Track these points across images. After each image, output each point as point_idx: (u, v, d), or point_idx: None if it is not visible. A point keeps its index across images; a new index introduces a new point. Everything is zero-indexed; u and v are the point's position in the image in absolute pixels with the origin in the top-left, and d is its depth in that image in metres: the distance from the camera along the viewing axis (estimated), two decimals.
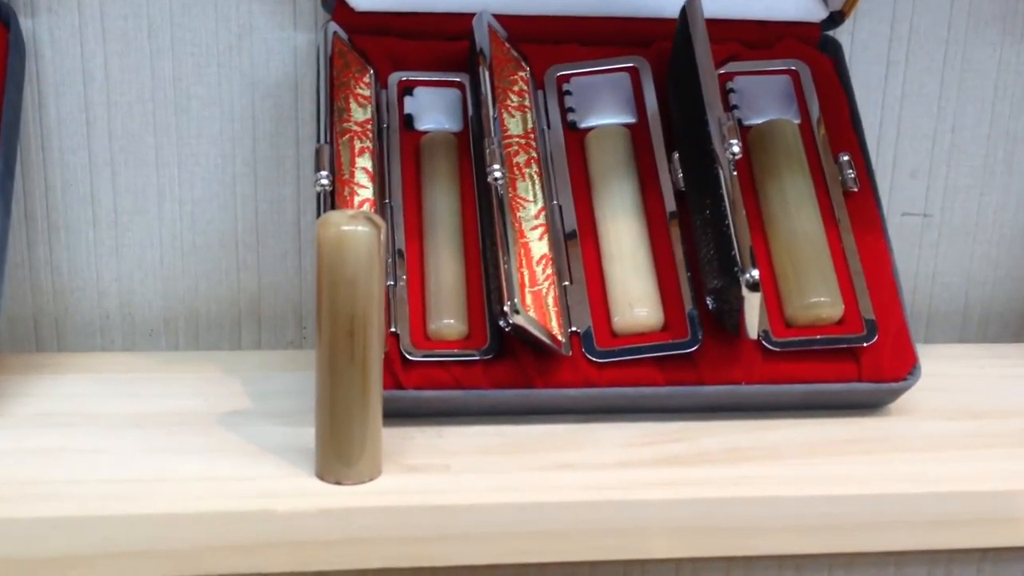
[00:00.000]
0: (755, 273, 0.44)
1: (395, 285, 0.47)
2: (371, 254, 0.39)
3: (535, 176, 0.50)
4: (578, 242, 0.49)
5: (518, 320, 0.44)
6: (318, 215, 0.47)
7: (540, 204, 0.49)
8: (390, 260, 0.48)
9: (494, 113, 0.49)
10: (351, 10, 0.52)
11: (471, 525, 0.41)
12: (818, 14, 0.55)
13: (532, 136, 0.51)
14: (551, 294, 0.47)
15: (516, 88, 0.52)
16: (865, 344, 0.48)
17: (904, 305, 0.50)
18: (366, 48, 0.52)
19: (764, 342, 0.48)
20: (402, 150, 0.51)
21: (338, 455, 0.41)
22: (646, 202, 0.51)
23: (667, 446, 0.46)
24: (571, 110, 0.53)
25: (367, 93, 0.51)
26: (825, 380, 0.48)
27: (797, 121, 0.53)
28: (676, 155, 0.51)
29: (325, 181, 0.47)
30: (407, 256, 0.48)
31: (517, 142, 0.50)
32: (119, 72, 0.53)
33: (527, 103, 0.51)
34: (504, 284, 0.45)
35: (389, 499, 0.41)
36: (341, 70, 0.50)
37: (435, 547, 0.41)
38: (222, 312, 0.56)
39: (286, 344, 0.57)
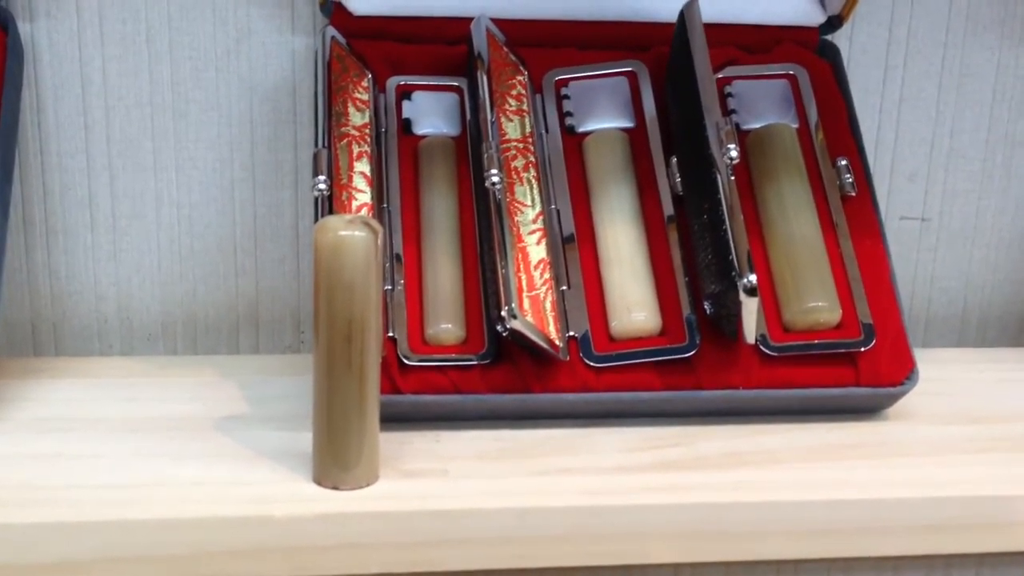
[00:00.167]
0: (753, 278, 0.44)
1: (393, 289, 0.47)
2: (368, 259, 0.39)
3: (533, 180, 0.50)
4: (576, 246, 0.49)
5: (515, 325, 0.44)
6: (316, 219, 0.46)
7: (538, 208, 0.49)
8: (388, 264, 0.48)
9: (492, 117, 0.49)
10: (349, 14, 0.52)
11: (469, 530, 0.41)
12: (816, 18, 0.55)
13: (530, 140, 0.51)
14: (549, 299, 0.47)
15: (514, 92, 0.52)
16: (863, 349, 0.48)
17: (902, 309, 0.50)
18: (364, 52, 0.52)
19: (762, 347, 0.48)
20: (400, 154, 0.51)
21: (335, 460, 0.41)
22: (644, 207, 0.51)
23: (665, 451, 0.46)
24: (569, 114, 0.53)
25: (365, 97, 0.51)
26: (823, 385, 0.48)
27: (795, 125, 0.53)
28: (674, 160, 0.51)
29: (323, 186, 0.47)
30: (405, 260, 0.48)
31: (515, 146, 0.50)
32: (117, 76, 0.53)
33: (525, 107, 0.51)
34: (502, 289, 0.45)
35: (386, 504, 0.41)
36: (339, 74, 0.50)
37: (433, 552, 0.41)
38: (220, 317, 0.56)
39: (284, 349, 0.57)
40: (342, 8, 0.52)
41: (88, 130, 0.53)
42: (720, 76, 0.54)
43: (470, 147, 0.51)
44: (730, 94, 0.54)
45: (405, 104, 0.52)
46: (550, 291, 0.47)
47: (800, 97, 0.54)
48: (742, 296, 0.45)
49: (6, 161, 0.48)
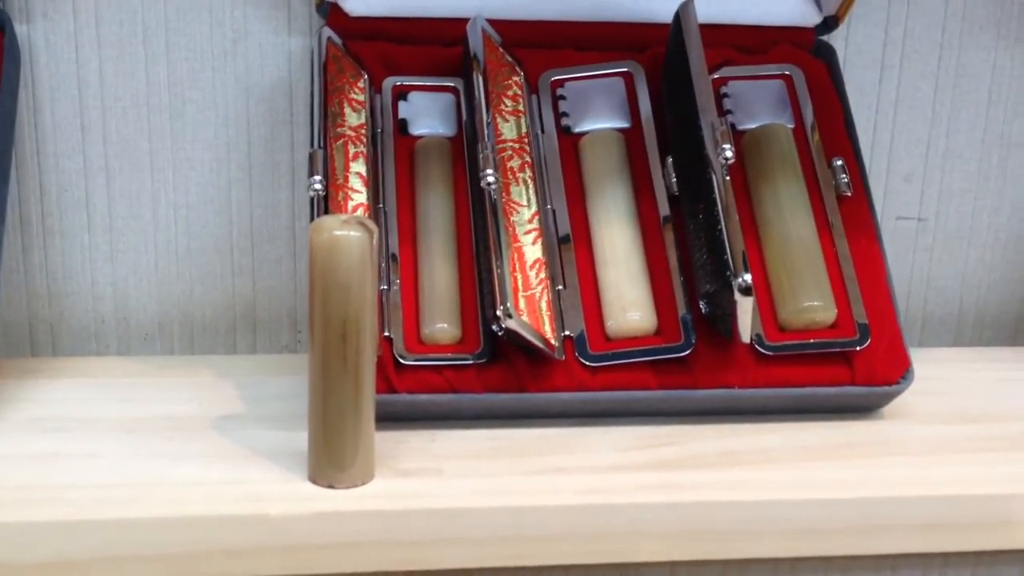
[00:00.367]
0: (748, 277, 0.44)
1: (388, 289, 0.47)
2: (364, 259, 0.39)
3: (529, 180, 0.50)
4: (572, 246, 0.50)
5: (511, 324, 0.44)
6: (312, 220, 0.47)
7: (534, 208, 0.49)
8: (384, 264, 0.48)
9: (488, 118, 0.49)
10: (346, 15, 0.52)
11: (464, 529, 0.41)
12: (812, 19, 0.55)
13: (526, 141, 0.51)
14: (544, 298, 0.47)
15: (510, 93, 0.52)
16: (858, 348, 0.48)
17: (898, 309, 0.50)
18: (360, 53, 0.52)
19: (757, 346, 0.48)
20: (396, 155, 0.51)
21: (331, 459, 0.41)
22: (640, 207, 0.51)
23: (661, 450, 0.46)
24: (565, 115, 0.53)
25: (361, 98, 0.51)
26: (818, 384, 0.48)
27: (791, 126, 0.53)
28: (670, 160, 0.51)
29: (319, 186, 0.47)
30: (401, 260, 0.48)
31: (511, 147, 0.50)
32: (114, 77, 0.53)
33: (521, 108, 0.52)
34: (497, 288, 0.45)
35: (382, 503, 0.41)
36: (335, 75, 0.51)
37: (428, 551, 0.42)
38: (217, 317, 0.56)
39: (281, 349, 0.57)
40: (338, 9, 0.52)
41: (85, 131, 0.53)
42: (716, 77, 0.54)
43: (466, 147, 0.52)
44: (726, 94, 0.54)
45: (401, 105, 0.52)
46: (546, 291, 0.48)
47: (796, 98, 0.54)
48: (737, 295, 0.45)
49: (3, 162, 0.48)
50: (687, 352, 0.47)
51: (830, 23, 0.56)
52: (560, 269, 0.49)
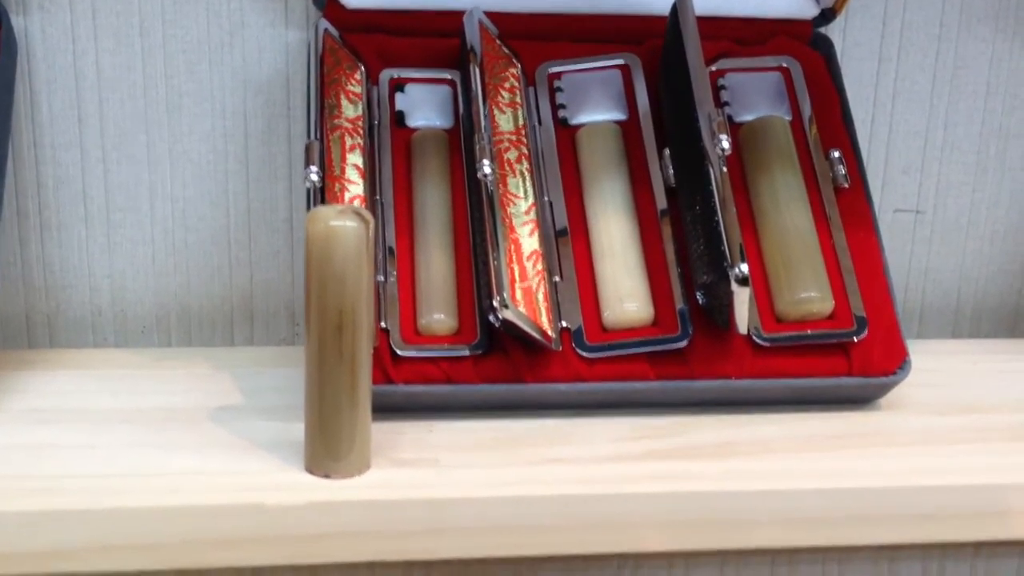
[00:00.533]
0: (744, 267, 0.44)
1: (385, 281, 0.47)
2: (360, 248, 0.39)
3: (526, 172, 0.50)
4: (568, 238, 0.50)
5: (507, 315, 0.44)
6: (308, 211, 0.46)
7: (531, 200, 0.49)
8: (381, 256, 0.48)
9: (484, 109, 0.49)
10: (342, 7, 0.52)
11: (461, 519, 0.41)
12: (809, 11, 0.55)
13: (523, 133, 0.51)
14: (541, 290, 0.47)
15: (507, 85, 0.52)
16: (855, 339, 0.48)
17: (896, 301, 0.50)
18: (357, 45, 0.52)
19: (754, 337, 0.48)
20: (393, 147, 0.51)
21: (327, 449, 0.41)
22: (637, 199, 0.51)
23: (658, 441, 0.46)
24: (562, 107, 0.53)
25: (358, 90, 0.51)
26: (815, 375, 0.48)
27: (788, 118, 0.53)
28: (667, 152, 0.51)
29: (315, 177, 0.47)
30: (398, 252, 0.48)
31: (508, 138, 0.50)
32: (111, 69, 0.53)
33: (518, 100, 0.52)
34: (493, 279, 0.45)
35: (377, 493, 0.41)
36: (332, 67, 0.51)
37: (425, 541, 0.41)
38: (214, 309, 0.56)
39: (279, 341, 0.57)
40: (335, 1, 0.52)
41: (82, 123, 0.53)
42: (713, 69, 0.54)
43: (463, 140, 0.51)
44: (723, 87, 0.54)
45: (398, 97, 0.52)
46: (543, 282, 0.47)
47: (793, 90, 0.54)
48: (734, 286, 0.45)
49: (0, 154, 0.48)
50: (684, 343, 0.47)
51: (827, 15, 0.55)
52: (557, 261, 0.49)
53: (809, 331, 0.48)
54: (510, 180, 0.49)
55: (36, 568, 0.40)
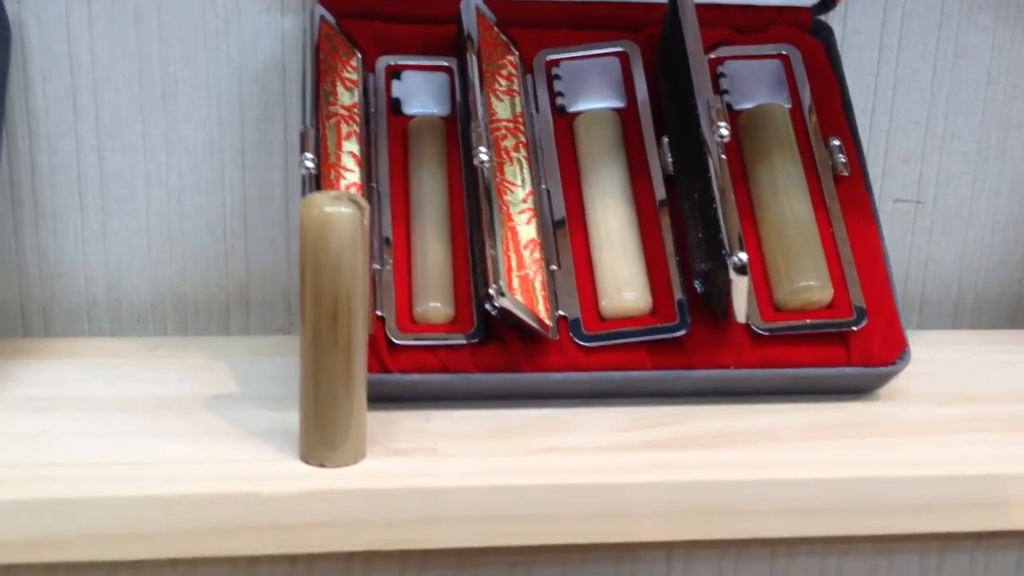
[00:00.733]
0: (743, 256, 0.44)
1: (381, 269, 0.47)
2: (355, 235, 0.39)
3: (523, 160, 0.49)
4: (566, 227, 0.49)
5: (504, 303, 0.44)
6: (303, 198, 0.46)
7: (528, 188, 0.49)
8: (377, 244, 0.48)
9: (482, 97, 0.49)
10: None
11: (457, 508, 0.41)
12: None
13: (520, 120, 0.50)
14: (539, 278, 0.47)
15: (504, 72, 0.51)
16: (854, 328, 0.48)
17: (895, 291, 0.50)
18: (353, 32, 0.52)
19: (753, 326, 0.48)
20: (389, 134, 0.51)
21: (322, 438, 0.41)
22: (635, 187, 0.50)
23: (656, 430, 0.46)
24: (560, 94, 0.52)
25: (354, 77, 0.50)
26: (815, 364, 0.48)
27: (788, 106, 0.53)
28: (666, 140, 0.51)
29: (310, 164, 0.46)
30: (394, 240, 0.48)
31: (505, 126, 0.50)
32: (106, 57, 0.53)
33: (516, 87, 0.51)
34: (490, 267, 0.45)
35: (373, 482, 0.41)
36: (328, 54, 0.50)
37: (421, 531, 0.41)
38: (210, 298, 0.56)
39: (275, 330, 0.57)
40: None
41: (77, 111, 0.53)
42: (712, 57, 0.54)
43: (460, 127, 0.51)
44: (722, 74, 0.54)
45: (394, 84, 0.52)
46: (540, 271, 0.47)
47: (793, 78, 0.54)
48: (732, 274, 0.44)
49: None
50: (682, 332, 0.47)
51: (828, 3, 0.55)
52: (555, 249, 0.48)
53: (808, 320, 0.48)
54: (507, 168, 0.49)
55: (30, 557, 0.40)
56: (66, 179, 0.54)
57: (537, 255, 0.48)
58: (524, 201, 0.49)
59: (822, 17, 0.56)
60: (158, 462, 0.42)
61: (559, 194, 0.50)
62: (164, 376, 0.49)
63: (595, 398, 0.48)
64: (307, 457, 0.42)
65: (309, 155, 0.46)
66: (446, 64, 0.52)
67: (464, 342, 0.46)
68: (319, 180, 0.47)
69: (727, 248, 0.44)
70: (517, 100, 0.51)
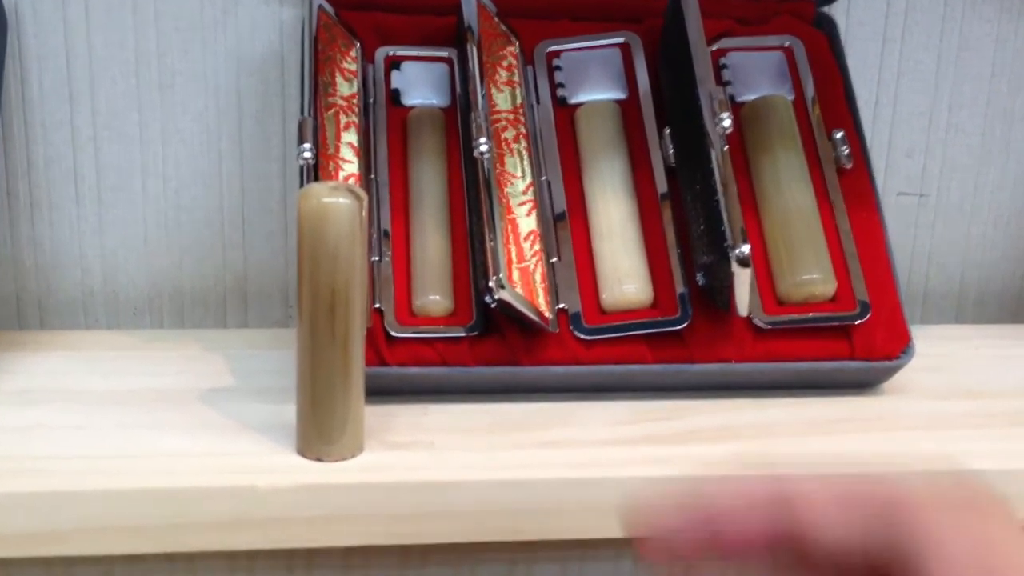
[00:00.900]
0: (745, 248, 0.44)
1: (380, 261, 0.47)
2: (353, 226, 0.39)
3: (524, 152, 0.49)
4: (567, 219, 0.49)
5: (503, 296, 0.44)
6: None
7: (528, 180, 0.49)
8: (375, 236, 0.47)
9: (482, 88, 0.48)
10: None
11: (456, 503, 0.41)
12: None
13: (521, 112, 0.50)
14: (539, 271, 0.47)
15: (505, 63, 0.51)
16: (858, 322, 0.48)
17: (899, 284, 0.49)
18: (353, 22, 0.51)
19: (755, 320, 0.47)
20: (388, 125, 0.50)
21: (319, 432, 0.41)
22: (636, 179, 0.50)
23: (656, 424, 0.45)
24: (561, 86, 0.52)
25: (353, 67, 0.50)
26: (817, 358, 0.47)
27: (791, 98, 0.53)
28: (667, 131, 0.50)
29: (308, 154, 0.46)
30: (393, 232, 0.48)
31: (506, 117, 0.50)
32: (102, 47, 0.52)
33: (516, 78, 0.51)
34: (490, 259, 0.44)
35: (370, 476, 0.40)
36: (327, 44, 0.50)
37: (418, 524, 0.41)
38: (207, 291, 0.55)
39: (272, 323, 0.56)
40: None
41: (73, 102, 0.53)
42: (715, 48, 0.53)
43: (460, 119, 0.51)
44: (725, 66, 0.53)
45: (394, 74, 0.51)
46: (540, 263, 0.47)
47: (796, 70, 0.53)
48: (735, 267, 0.44)
49: None
50: (683, 325, 0.47)
51: None
52: (555, 241, 0.48)
53: (811, 314, 0.48)
54: (507, 160, 0.49)
55: (25, 551, 0.40)
56: (62, 170, 0.53)
57: (537, 247, 0.47)
58: (524, 193, 0.48)
59: (825, 9, 0.55)
60: (154, 455, 0.41)
61: (560, 186, 0.49)
62: (161, 369, 0.49)
63: (595, 392, 0.47)
64: (304, 451, 0.41)
65: (307, 146, 0.46)
66: (446, 55, 0.52)
67: (463, 335, 0.46)
68: (317, 171, 0.46)
69: (729, 240, 0.44)
70: (517, 91, 0.50)
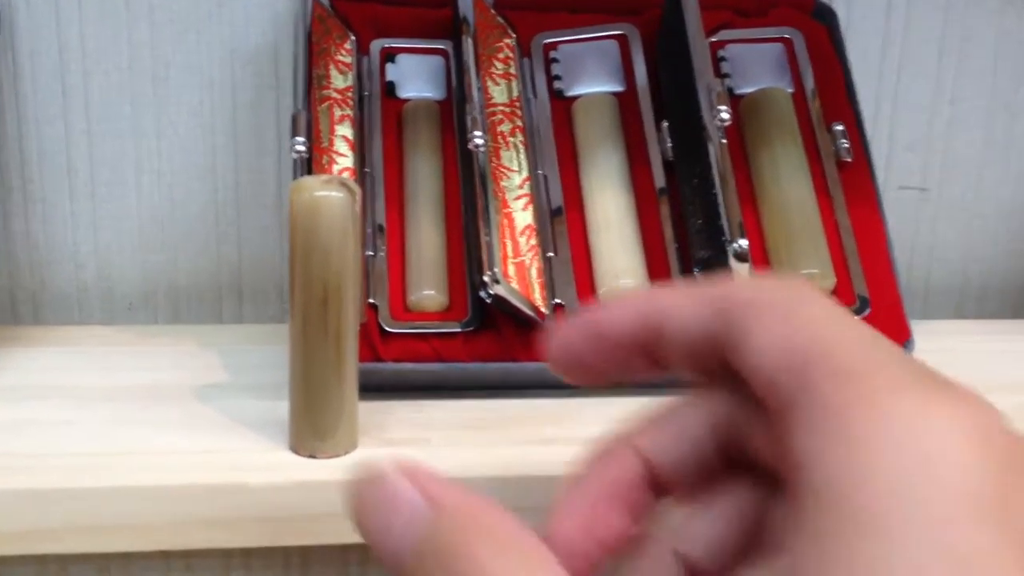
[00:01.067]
0: (743, 243, 0.43)
1: (374, 256, 0.46)
2: (346, 220, 0.38)
3: (520, 145, 0.49)
4: (563, 213, 0.48)
5: (499, 290, 0.43)
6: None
7: (525, 174, 0.48)
8: (370, 230, 0.47)
9: (477, 81, 0.48)
10: None
11: None
12: None
13: (517, 104, 0.49)
14: (535, 265, 0.46)
15: (501, 56, 0.50)
16: (857, 317, 0.47)
17: (899, 280, 0.49)
18: (347, 14, 0.51)
19: None
20: (383, 118, 0.50)
21: (312, 428, 0.40)
22: (634, 173, 0.50)
23: None
24: (558, 78, 0.51)
25: (348, 60, 0.49)
26: None
27: (790, 90, 0.52)
28: (665, 124, 0.50)
29: (302, 148, 0.45)
30: (387, 226, 0.47)
31: (502, 110, 0.49)
32: (95, 40, 0.52)
33: (512, 71, 0.50)
34: (485, 254, 0.44)
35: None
36: (321, 36, 0.49)
37: None
38: (202, 286, 0.55)
39: (268, 318, 0.56)
40: None
41: (66, 95, 0.52)
42: (714, 40, 0.53)
43: (455, 111, 0.50)
44: (723, 58, 0.53)
45: (389, 67, 0.51)
46: (536, 258, 0.46)
47: (796, 62, 0.53)
48: (732, 262, 0.43)
49: None
50: None
51: None
52: (551, 236, 0.48)
53: None
54: (503, 153, 0.48)
55: (18, 549, 0.39)
56: (55, 164, 0.53)
57: (533, 242, 0.47)
58: (520, 187, 0.48)
59: (825, 0, 0.54)
60: (145, 452, 0.41)
61: (556, 180, 0.49)
62: (154, 364, 0.48)
63: (592, 388, 0.47)
64: (297, 448, 0.41)
65: (301, 139, 0.45)
66: (442, 47, 0.52)
67: (458, 330, 0.45)
68: (311, 164, 0.46)
69: (727, 235, 0.44)
70: (514, 84, 0.50)
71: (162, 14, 0.52)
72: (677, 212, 0.49)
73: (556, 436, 0.43)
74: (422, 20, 0.52)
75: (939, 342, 0.53)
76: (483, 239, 0.44)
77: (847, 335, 0.25)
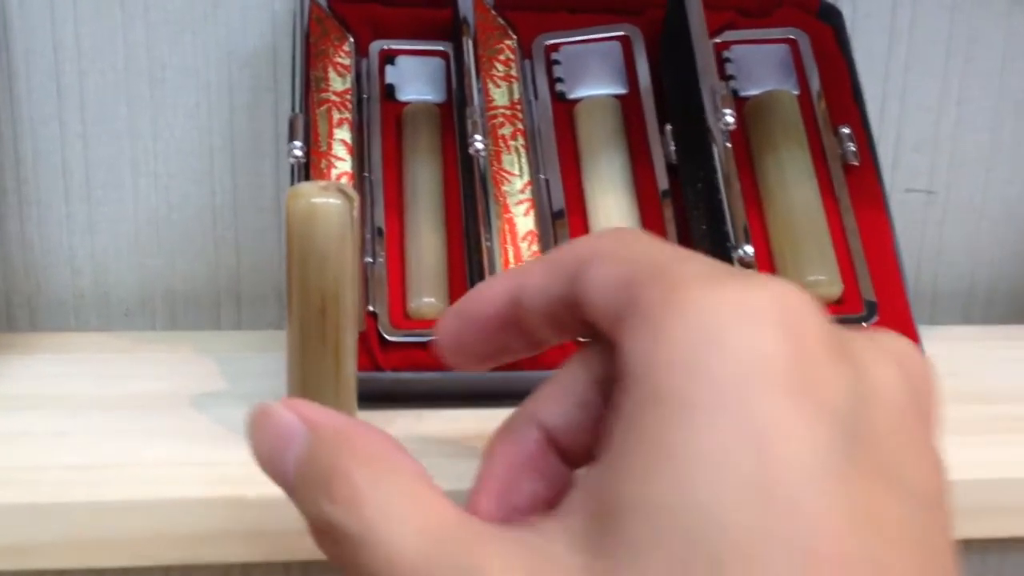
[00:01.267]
0: (748, 249, 0.43)
1: (373, 262, 0.46)
2: (343, 227, 0.37)
3: (521, 149, 0.48)
4: (565, 218, 0.48)
5: None
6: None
7: (526, 178, 0.47)
8: (369, 236, 0.46)
9: (478, 83, 0.47)
10: None
11: None
12: None
13: (518, 107, 0.49)
14: None
15: (502, 57, 0.50)
16: (865, 324, 0.46)
17: (907, 284, 0.48)
18: (346, 15, 0.50)
19: None
20: (382, 122, 0.49)
21: None
22: (637, 176, 0.49)
23: None
24: (560, 80, 0.51)
25: (346, 62, 0.49)
26: None
27: (796, 92, 0.51)
28: (668, 127, 0.49)
29: (299, 152, 0.45)
30: (387, 232, 0.47)
31: (502, 113, 0.48)
32: (90, 40, 0.51)
33: (513, 73, 0.49)
34: (486, 261, 0.43)
35: None
36: (319, 38, 0.48)
37: None
38: (200, 291, 0.54)
39: (266, 325, 0.55)
40: None
41: (61, 96, 0.51)
42: (718, 41, 0.52)
43: (456, 114, 0.49)
44: (728, 59, 0.52)
45: (388, 69, 0.50)
46: None
47: (801, 63, 0.52)
48: (737, 268, 0.43)
49: None
50: None
51: None
52: (553, 241, 0.47)
53: None
54: (504, 157, 0.47)
55: (10, 564, 0.39)
56: (50, 167, 0.52)
57: (535, 247, 0.46)
58: (522, 191, 0.47)
59: (831, 0, 0.54)
60: (138, 464, 0.40)
61: (558, 184, 0.48)
62: (150, 372, 0.48)
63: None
64: None
65: (298, 143, 0.45)
66: (442, 49, 0.51)
67: None
68: (309, 169, 0.45)
69: (732, 240, 0.43)
70: (515, 86, 0.49)
71: (157, 14, 0.51)
72: (681, 216, 0.48)
73: None
74: (422, 21, 0.51)
75: (947, 348, 0.52)
76: (484, 245, 0.43)
77: (666, 254, 0.27)
